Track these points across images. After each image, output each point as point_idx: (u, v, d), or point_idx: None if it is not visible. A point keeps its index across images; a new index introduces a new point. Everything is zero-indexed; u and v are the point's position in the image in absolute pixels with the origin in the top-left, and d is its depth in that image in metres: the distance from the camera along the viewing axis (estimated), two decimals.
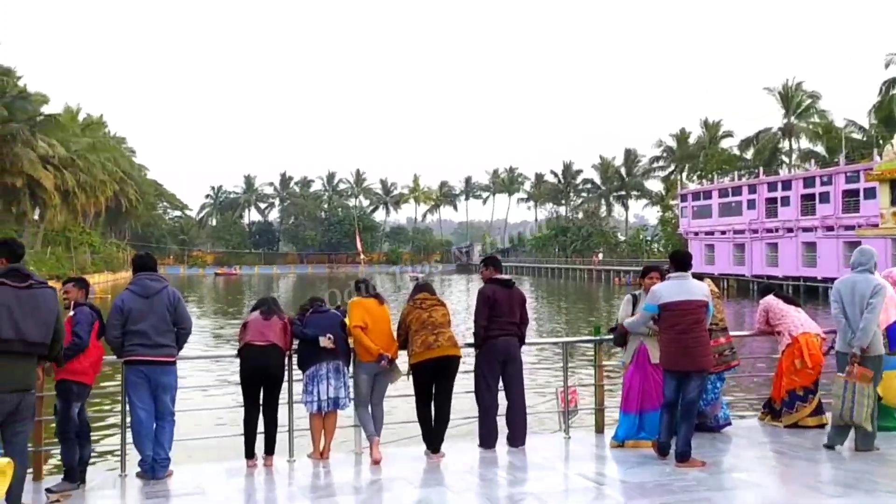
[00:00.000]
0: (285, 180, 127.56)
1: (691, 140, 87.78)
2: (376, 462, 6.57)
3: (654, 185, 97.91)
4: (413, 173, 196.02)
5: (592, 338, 7.86)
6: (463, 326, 20.11)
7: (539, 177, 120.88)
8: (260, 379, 6.55)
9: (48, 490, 5.68)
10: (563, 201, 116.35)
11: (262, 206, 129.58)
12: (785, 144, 72.41)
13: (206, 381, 14.30)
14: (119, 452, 6.50)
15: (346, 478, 6.34)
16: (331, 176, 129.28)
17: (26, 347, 4.93)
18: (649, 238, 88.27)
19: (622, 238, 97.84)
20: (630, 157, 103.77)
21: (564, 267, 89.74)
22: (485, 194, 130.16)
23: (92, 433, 6.27)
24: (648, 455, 6.65)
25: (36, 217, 62.02)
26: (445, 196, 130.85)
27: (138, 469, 6.22)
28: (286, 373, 6.72)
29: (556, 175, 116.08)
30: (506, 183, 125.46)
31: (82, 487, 5.89)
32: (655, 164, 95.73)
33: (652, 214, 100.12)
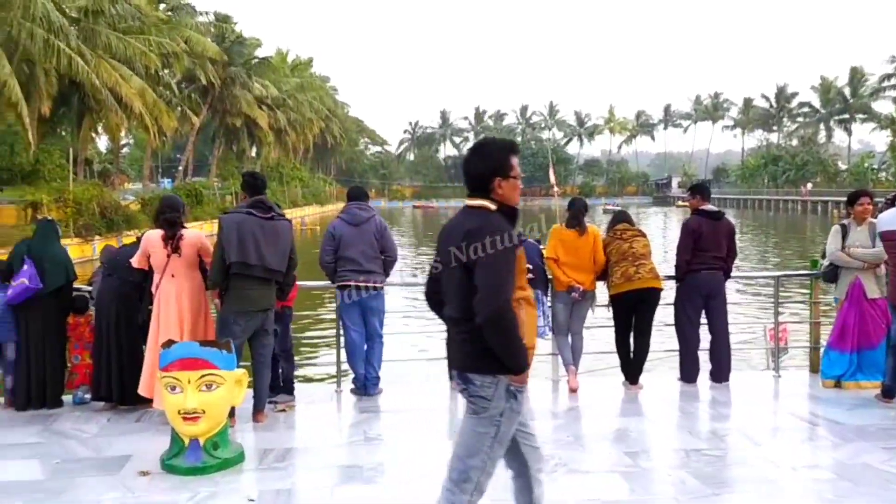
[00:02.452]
0: (479, 114, 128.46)
1: None
2: (573, 390, 6.63)
3: (885, 106, 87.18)
4: (608, 104, 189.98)
5: (808, 272, 7.34)
6: (660, 260, 19.50)
7: (747, 102, 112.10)
8: None
9: (272, 401, 6.10)
10: (775, 127, 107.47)
11: (458, 140, 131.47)
12: None
13: (408, 307, 15.03)
14: (335, 370, 7.00)
15: (543, 403, 6.45)
16: (524, 109, 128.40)
17: (267, 273, 5.50)
18: (876, 166, 79.49)
19: (843, 167, 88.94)
20: (856, 75, 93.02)
21: (774, 198, 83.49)
22: (685, 123, 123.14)
23: (311, 352, 6.83)
24: (869, 398, 6.18)
25: (253, 154, 67.68)
26: (642, 126, 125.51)
27: (352, 386, 6.66)
28: None
29: (767, 99, 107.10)
30: (709, 110, 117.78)
31: (303, 401, 6.34)
32: (886, 83, 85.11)
33: (880, 140, 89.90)
